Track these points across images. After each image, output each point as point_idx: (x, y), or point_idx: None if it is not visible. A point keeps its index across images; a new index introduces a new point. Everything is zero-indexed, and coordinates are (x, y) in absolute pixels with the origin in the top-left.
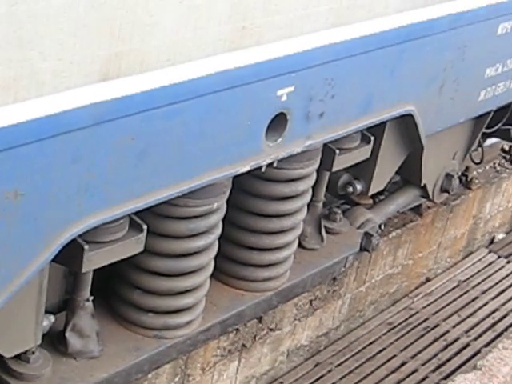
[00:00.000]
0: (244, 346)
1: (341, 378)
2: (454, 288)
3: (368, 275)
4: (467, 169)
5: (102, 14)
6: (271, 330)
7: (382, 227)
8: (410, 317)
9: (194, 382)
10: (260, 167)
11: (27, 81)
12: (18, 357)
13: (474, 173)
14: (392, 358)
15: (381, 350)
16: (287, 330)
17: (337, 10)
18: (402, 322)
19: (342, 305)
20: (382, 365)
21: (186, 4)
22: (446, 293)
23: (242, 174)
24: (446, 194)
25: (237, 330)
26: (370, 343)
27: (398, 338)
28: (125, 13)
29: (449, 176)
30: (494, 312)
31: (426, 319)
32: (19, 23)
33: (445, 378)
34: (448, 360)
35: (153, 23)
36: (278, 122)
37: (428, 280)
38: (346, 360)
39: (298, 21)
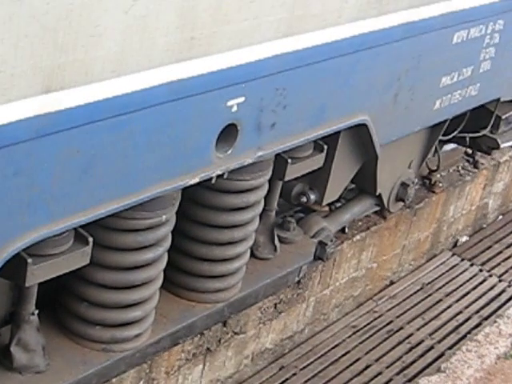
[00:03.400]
0: (208, 349)
1: (305, 382)
2: (417, 291)
3: (332, 278)
4: (430, 172)
5: (43, 24)
6: (236, 333)
7: (346, 230)
8: (374, 320)
9: None
10: (210, 179)
11: None
12: None
13: (438, 176)
14: (356, 360)
15: (345, 353)
16: (252, 334)
17: (288, 20)
18: (366, 324)
19: (307, 308)
20: (347, 368)
21: (132, 14)
22: (410, 296)
23: (192, 186)
24: (401, 203)
25: (201, 333)
26: (335, 346)
27: (362, 341)
28: (68, 23)
29: (404, 185)
30: (457, 315)
31: (390, 322)
32: None
33: (409, 381)
34: (412, 363)
35: (97, 34)
36: (228, 133)
37: (392, 283)
38: (310, 363)
39: (248, 30)
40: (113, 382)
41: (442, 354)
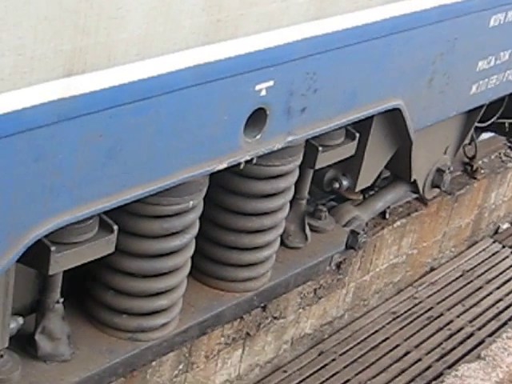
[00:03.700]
0: (248, 334)
1: (344, 367)
2: (458, 278)
3: (372, 264)
4: (472, 158)
5: (64, 6)
6: (275, 318)
7: (387, 216)
8: (414, 306)
9: (197, 370)
10: (238, 164)
11: None
12: None
13: (480, 162)
14: (396, 347)
15: (385, 339)
16: (291, 319)
17: (319, 2)
18: (406, 311)
19: (347, 294)
20: (386, 354)
21: None
22: (451, 282)
23: (219, 172)
24: (436, 190)
25: (241, 318)
26: (374, 332)
27: (401, 328)
28: (89, 5)
29: (440, 171)
30: (498, 302)
31: (430, 308)
32: None
33: (448, 368)
34: (452, 349)
35: (120, 16)
36: (256, 118)
37: (432, 269)
38: (349, 349)
39: (277, 13)
40: (152, 365)
41: (482, 341)
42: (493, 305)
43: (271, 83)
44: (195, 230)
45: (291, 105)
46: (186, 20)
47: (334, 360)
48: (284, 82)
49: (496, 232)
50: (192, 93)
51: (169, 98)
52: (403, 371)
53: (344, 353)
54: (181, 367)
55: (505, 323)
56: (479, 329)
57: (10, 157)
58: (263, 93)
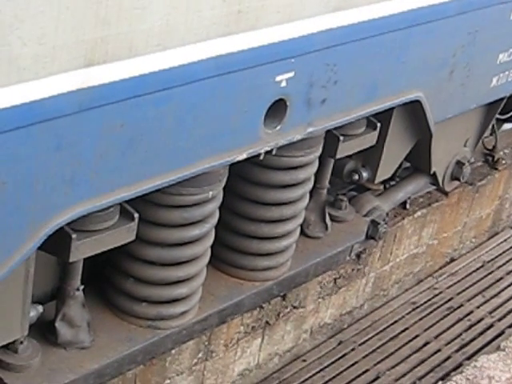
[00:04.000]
0: (267, 323)
1: (364, 357)
2: (478, 268)
3: (393, 254)
4: (494, 149)
5: None
6: (295, 307)
7: (408, 206)
8: (434, 296)
9: (217, 359)
10: (258, 155)
11: (6, 66)
12: (6, 347)
13: (501, 153)
14: (415, 337)
15: (404, 330)
16: (311, 308)
17: None
18: (426, 301)
19: (366, 283)
20: (406, 344)
21: None
22: (471, 273)
23: (239, 162)
24: (456, 182)
25: (261, 307)
26: (394, 322)
27: (421, 318)
28: None
29: (460, 163)
30: None
31: (450, 299)
32: None
33: (468, 359)
34: (471, 340)
35: (141, 6)
36: (277, 109)
37: (453, 260)
38: (369, 339)
39: (297, 4)
40: (172, 353)
41: (502, 333)
42: None
43: (291, 74)
44: (215, 220)
45: (311, 96)
46: (207, 11)
47: (353, 350)
48: (304, 73)
49: None
50: (212, 83)
51: (189, 89)
52: (422, 362)
53: (363, 343)
54: (200, 355)
55: None
56: (499, 320)
57: (31, 146)
58: (283, 84)
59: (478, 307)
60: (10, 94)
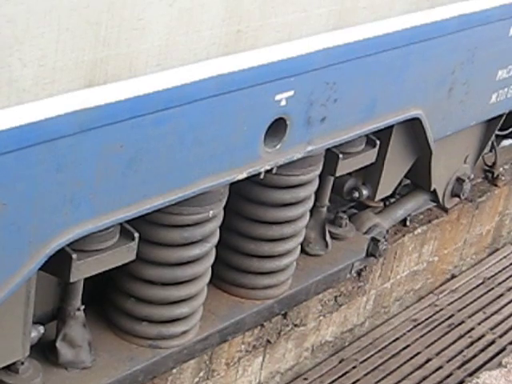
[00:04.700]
0: (269, 341)
1: (365, 375)
2: (479, 285)
3: (393, 271)
4: (493, 165)
5: (85, 17)
6: (296, 325)
7: (408, 223)
8: (435, 313)
9: (218, 378)
10: (258, 174)
11: (6, 88)
12: (7, 368)
13: (501, 169)
14: (417, 354)
15: (405, 347)
16: (312, 326)
17: (338, 12)
18: (427, 318)
19: (367, 301)
20: (407, 361)
21: (177, 7)
22: (472, 290)
23: (239, 181)
24: (456, 199)
25: (261, 325)
26: (395, 340)
27: (422, 335)
28: (110, 16)
29: (460, 180)
30: None
31: (451, 316)
32: None
33: (470, 375)
34: (473, 357)
35: (141, 27)
36: (276, 128)
37: (453, 277)
38: (370, 356)
39: (296, 23)
40: (173, 372)
41: (504, 349)
42: None
43: (291, 93)
44: (215, 239)
45: (311, 114)
46: (207, 31)
47: (354, 367)
48: (304, 92)
49: None
50: (212, 103)
51: (189, 109)
52: (424, 379)
53: (365, 360)
54: (201, 374)
55: None
56: (500, 336)
57: (32, 166)
58: (283, 103)
59: (479, 324)
60: (10, 116)
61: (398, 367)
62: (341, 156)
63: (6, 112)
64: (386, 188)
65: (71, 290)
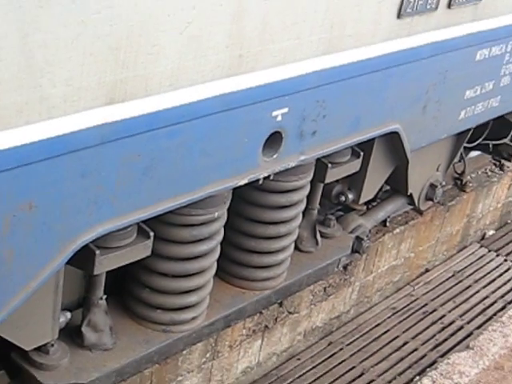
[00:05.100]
0: (266, 326)
1: (350, 356)
2: (449, 277)
3: (375, 266)
4: (462, 173)
5: (107, 44)
6: (290, 313)
7: (388, 224)
8: (411, 302)
9: (222, 358)
10: (257, 180)
11: (38, 105)
12: (38, 349)
13: (469, 177)
14: (395, 338)
15: (385, 332)
16: (304, 313)
17: (327, 40)
18: (404, 307)
19: (352, 292)
20: (387, 344)
21: (186, 35)
22: (443, 282)
23: (242, 187)
24: (430, 202)
25: (260, 312)
26: (376, 325)
27: (400, 321)
28: (129, 43)
29: (433, 186)
30: (484, 299)
31: (426, 305)
32: (30, 53)
33: (441, 356)
34: (444, 340)
35: (155, 52)
36: (273, 140)
37: (427, 270)
38: (355, 340)
39: (290, 49)
40: (183, 353)
41: (471, 333)
42: (480, 301)
43: (286, 110)
44: (220, 237)
45: (303, 129)
46: (212, 55)
47: (341, 349)
48: (297, 108)
49: (483, 238)
50: (217, 118)
51: (197, 123)
52: (402, 359)
53: (350, 343)
54: (208, 355)
55: (490, 317)
56: (468, 322)
57: (59, 174)
58: (279, 118)
59: (450, 311)
60: (42, 129)
61: (379, 349)
62: (329, 165)
63: (37, 126)
64: (368, 193)
65: (95, 281)
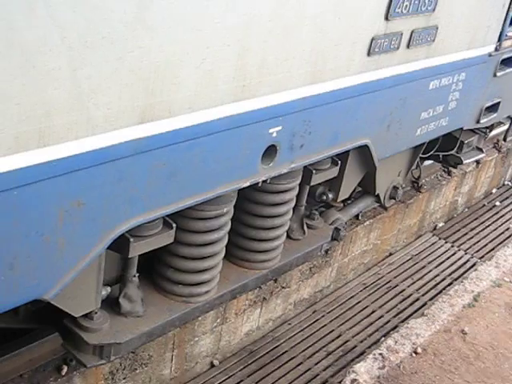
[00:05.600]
0: (264, 298)
1: (330, 321)
2: (408, 260)
3: (349, 250)
4: (418, 178)
5: (139, 76)
6: (283, 287)
7: (360, 217)
8: (378, 279)
9: (230, 323)
10: (257, 183)
11: (85, 124)
12: (85, 316)
13: (423, 181)
14: (365, 307)
15: (358, 302)
16: (294, 288)
17: (312, 73)
18: (373, 283)
19: (332, 271)
20: (359, 312)
21: (202, 69)
22: (403, 263)
23: (245, 188)
24: (393, 201)
25: (260, 287)
26: (351, 297)
27: (369, 294)
28: (156, 75)
29: (395, 188)
30: (435, 277)
31: (389, 281)
32: (79, 83)
33: (402, 322)
34: (404, 309)
35: (177, 82)
36: (270, 152)
37: (391, 254)
38: (334, 309)
39: (283, 80)
40: (199, 319)
41: (425, 304)
42: (432, 278)
43: (280, 128)
44: (228, 228)
45: (293, 143)
46: (222, 85)
47: (323, 316)
48: (289, 127)
49: (434, 229)
50: (226, 134)
51: (210, 138)
52: (370, 324)
53: (330, 311)
54: (218, 321)
55: (440, 291)
56: (423, 295)
57: (102, 178)
58: (274, 134)
59: (409, 286)
60: (88, 143)
61: (353, 316)
62: (314, 171)
63: (84, 140)
64: (344, 193)
65: (129, 262)
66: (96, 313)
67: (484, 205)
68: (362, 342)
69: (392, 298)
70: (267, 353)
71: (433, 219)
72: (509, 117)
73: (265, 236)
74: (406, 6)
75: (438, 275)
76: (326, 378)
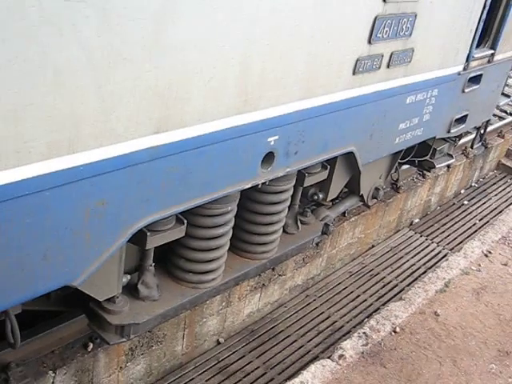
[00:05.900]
0: (264, 284)
1: (320, 305)
2: (388, 251)
3: (337, 243)
4: (397, 180)
5: (155, 92)
6: (280, 275)
7: (346, 214)
8: (362, 268)
9: (233, 306)
10: (257, 185)
11: (108, 134)
12: (108, 300)
13: (401, 183)
14: (351, 292)
15: (344, 288)
16: (289, 275)
17: (305, 89)
18: (358, 271)
19: (322, 261)
20: (345, 297)
21: (209, 86)
22: (384, 254)
23: (247, 189)
24: (375, 200)
25: (259, 275)
26: (338, 284)
27: (355, 281)
28: (170, 92)
29: (377, 189)
30: (412, 265)
31: (372, 270)
32: (102, 98)
33: (383, 305)
34: (384, 294)
35: (188, 97)
36: (268, 158)
37: (373, 246)
38: (324, 294)
39: (280, 96)
40: (207, 303)
41: (403, 289)
42: (409, 267)
43: (277, 137)
44: (232, 223)
45: (289, 150)
46: (227, 100)
47: (314, 300)
48: (285, 136)
49: (411, 224)
50: (230, 143)
51: (217, 146)
52: (356, 307)
53: (320, 296)
54: (223, 304)
55: (416, 278)
56: (401, 282)
57: (123, 180)
58: (272, 143)
59: (389, 274)
60: (110, 150)
61: (340, 300)
62: (306, 174)
63: (108, 148)
64: (333, 193)
65: (146, 253)
66: (118, 297)
67: (454, 203)
68: (348, 322)
69: (374, 285)
70: (266, 332)
71: (409, 216)
72: (475, 127)
73: (264, 231)
74: (386, 31)
75: (413, 264)
76: (317, 353)
